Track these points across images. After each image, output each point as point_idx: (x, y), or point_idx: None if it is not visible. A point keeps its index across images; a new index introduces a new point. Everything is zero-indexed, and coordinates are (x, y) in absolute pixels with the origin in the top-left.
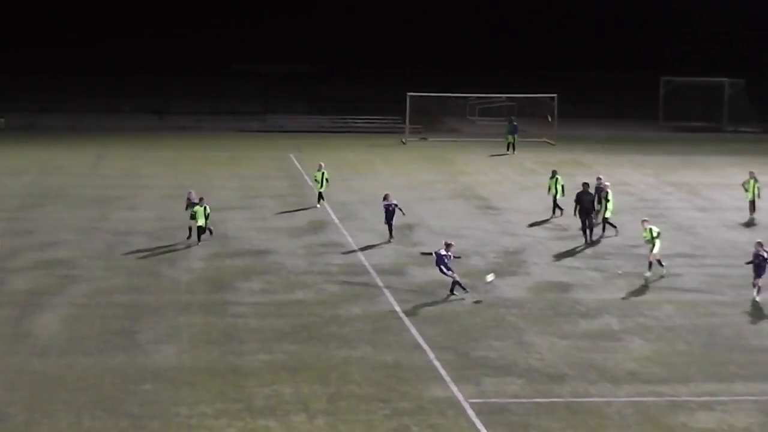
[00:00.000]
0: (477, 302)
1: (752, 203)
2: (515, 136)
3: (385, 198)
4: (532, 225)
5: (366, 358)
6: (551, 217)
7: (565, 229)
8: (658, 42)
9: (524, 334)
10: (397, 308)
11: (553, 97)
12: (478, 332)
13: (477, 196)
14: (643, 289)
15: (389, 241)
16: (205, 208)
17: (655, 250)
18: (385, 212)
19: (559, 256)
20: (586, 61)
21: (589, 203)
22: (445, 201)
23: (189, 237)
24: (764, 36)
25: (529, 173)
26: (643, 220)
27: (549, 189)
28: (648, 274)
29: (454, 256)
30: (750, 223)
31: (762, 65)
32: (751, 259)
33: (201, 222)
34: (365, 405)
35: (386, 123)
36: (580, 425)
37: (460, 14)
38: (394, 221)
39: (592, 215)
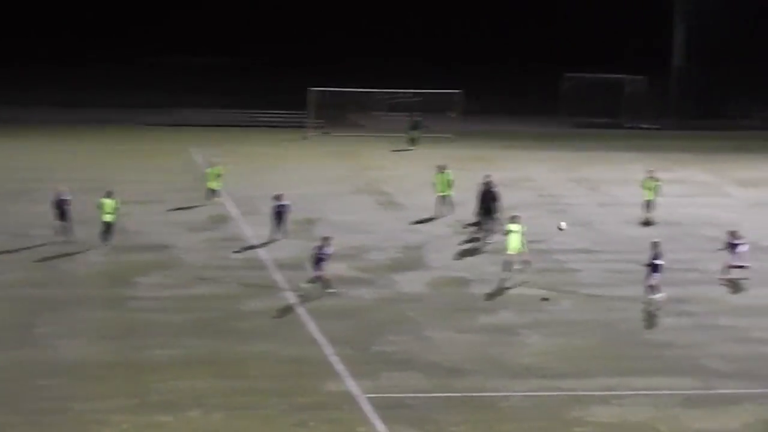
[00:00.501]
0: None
1: (649, 203)
2: (419, 131)
3: (278, 198)
4: (433, 220)
5: (265, 353)
6: (443, 215)
7: (465, 225)
8: (560, 38)
9: (423, 328)
10: (297, 303)
11: (458, 93)
12: (377, 327)
13: (380, 192)
14: (540, 284)
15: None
16: (114, 201)
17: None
18: (275, 212)
19: (459, 252)
20: (488, 57)
21: (490, 200)
22: (347, 196)
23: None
24: (665, 32)
25: (433, 169)
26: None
27: (437, 185)
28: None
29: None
30: (648, 222)
31: (662, 62)
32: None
33: (109, 217)
34: (263, 400)
35: (290, 118)
36: (477, 419)
37: (365, 9)
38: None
39: (495, 214)
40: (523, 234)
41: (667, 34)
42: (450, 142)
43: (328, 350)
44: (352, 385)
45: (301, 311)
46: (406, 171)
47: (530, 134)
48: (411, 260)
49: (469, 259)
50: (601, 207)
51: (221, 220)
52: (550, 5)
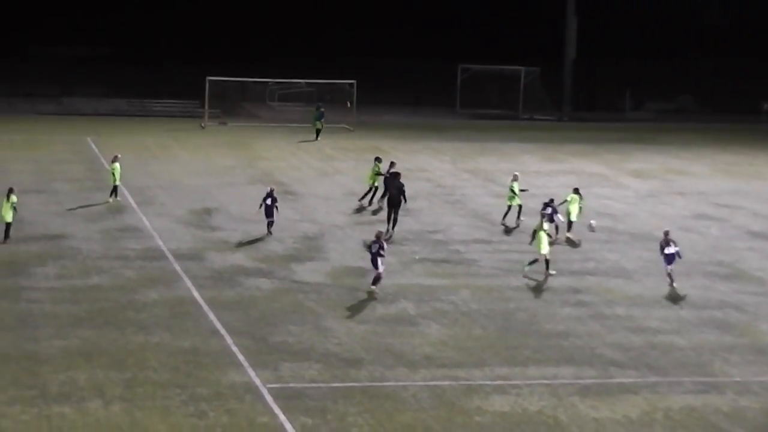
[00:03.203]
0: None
1: (570, 223)
2: (322, 122)
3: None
4: (330, 210)
5: (163, 343)
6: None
7: (363, 215)
8: (456, 30)
9: (322, 319)
10: (195, 294)
11: (352, 84)
12: (276, 318)
13: (276, 182)
14: (439, 274)
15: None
16: (12, 200)
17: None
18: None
19: (358, 242)
20: (386, 49)
21: (396, 190)
22: (244, 186)
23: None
24: (560, 24)
25: (329, 159)
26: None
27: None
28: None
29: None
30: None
31: (556, 54)
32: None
33: (9, 218)
34: (162, 391)
35: (185, 107)
36: (376, 409)
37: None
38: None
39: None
40: None
41: (561, 27)
42: (348, 133)
43: (228, 341)
44: (251, 376)
45: (200, 302)
46: (302, 161)
47: (426, 125)
48: (309, 250)
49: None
50: (497, 198)
51: (118, 210)
52: None
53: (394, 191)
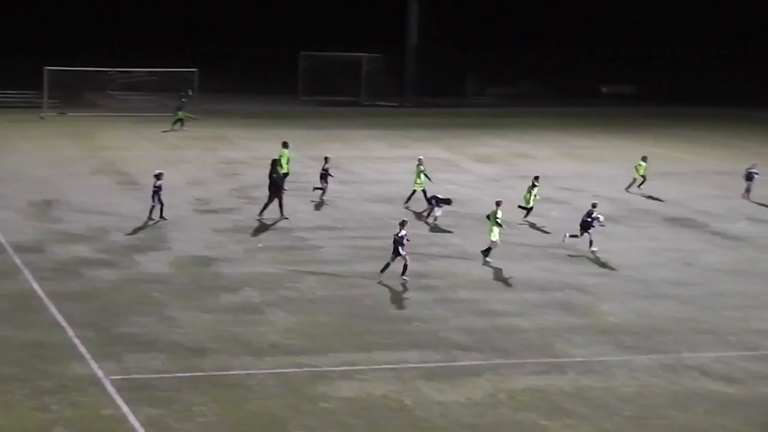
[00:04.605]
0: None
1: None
2: (184, 111)
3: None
4: (174, 200)
5: (4, 337)
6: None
7: (207, 203)
8: (299, 17)
9: (167, 309)
10: (37, 286)
11: (193, 72)
12: (120, 309)
13: (119, 172)
14: (284, 261)
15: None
16: None
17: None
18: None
19: (202, 231)
20: (229, 36)
21: (277, 180)
22: (86, 177)
23: None
24: (400, 11)
25: (173, 148)
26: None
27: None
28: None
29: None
30: (390, 199)
31: (398, 40)
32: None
33: None
34: (3, 385)
35: (24, 97)
36: (222, 398)
37: None
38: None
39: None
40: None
41: (402, 12)
42: (192, 122)
43: (70, 333)
44: (95, 368)
45: (41, 295)
46: (146, 150)
47: (270, 113)
48: (153, 240)
49: (212, 238)
50: (341, 185)
51: None
52: None
53: (277, 181)
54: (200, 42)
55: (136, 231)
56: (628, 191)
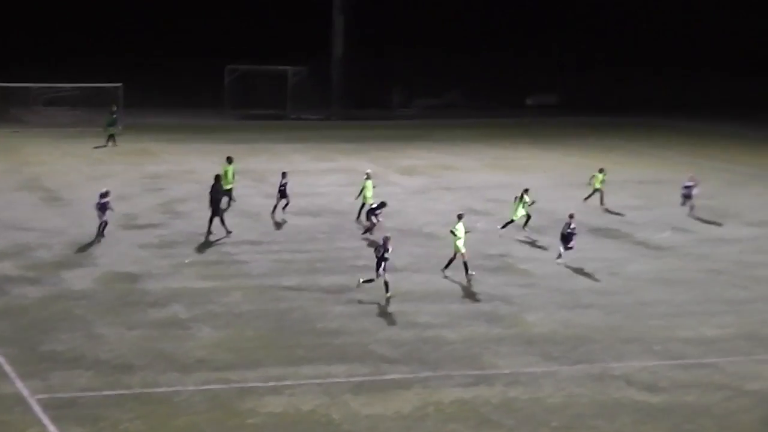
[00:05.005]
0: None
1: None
2: (116, 126)
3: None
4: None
5: None
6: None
7: (133, 218)
8: (225, 30)
9: (93, 326)
10: None
11: (118, 87)
12: (45, 326)
13: (42, 188)
14: (211, 277)
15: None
16: None
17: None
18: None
19: (129, 246)
20: (152, 49)
21: (217, 195)
22: (10, 192)
23: None
24: (325, 23)
25: (97, 163)
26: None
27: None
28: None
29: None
30: (316, 213)
31: (324, 53)
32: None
33: None
34: None
35: None
36: (150, 415)
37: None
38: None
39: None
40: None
41: (328, 24)
42: (116, 136)
43: None
44: (20, 387)
45: None
46: (70, 166)
47: (195, 127)
48: (79, 257)
49: (138, 254)
50: (267, 198)
51: None
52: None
53: (214, 196)
54: (124, 55)
55: (61, 247)
56: (585, 202)
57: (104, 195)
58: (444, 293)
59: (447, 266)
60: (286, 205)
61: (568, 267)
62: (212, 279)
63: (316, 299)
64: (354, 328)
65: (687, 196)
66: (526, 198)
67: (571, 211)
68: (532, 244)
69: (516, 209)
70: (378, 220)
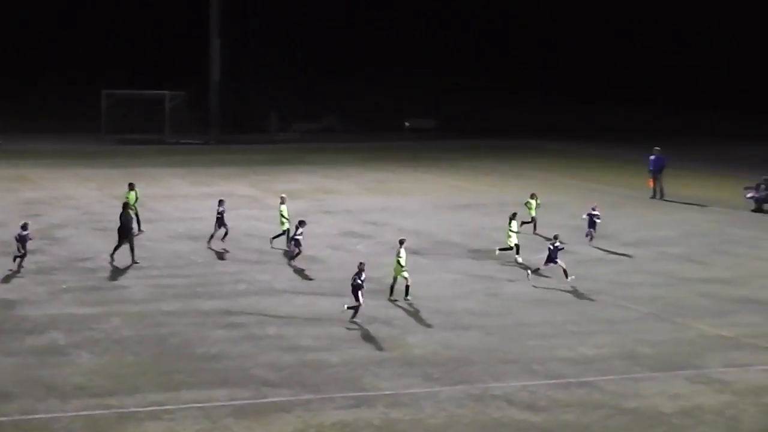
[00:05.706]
0: None
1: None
2: None
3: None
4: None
5: None
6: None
7: (9, 245)
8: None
9: None
10: None
11: None
12: None
13: None
14: (89, 303)
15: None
16: None
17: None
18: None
19: (4, 273)
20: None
21: (128, 223)
22: None
23: None
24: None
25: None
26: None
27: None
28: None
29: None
30: (195, 237)
31: (201, 77)
32: None
33: None
34: None
35: None
36: None
37: None
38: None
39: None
40: None
41: (205, 48)
42: None
43: None
44: None
45: None
46: None
47: (72, 152)
48: None
49: (14, 280)
50: (146, 223)
51: None
52: (87, 18)
53: (125, 224)
54: None
55: None
56: (535, 233)
57: (24, 227)
58: (325, 316)
59: (391, 293)
60: (226, 234)
61: (445, 290)
62: (91, 305)
63: (197, 324)
64: (235, 353)
65: (592, 224)
66: (513, 225)
67: (555, 233)
68: (412, 265)
69: (508, 235)
70: (299, 250)
